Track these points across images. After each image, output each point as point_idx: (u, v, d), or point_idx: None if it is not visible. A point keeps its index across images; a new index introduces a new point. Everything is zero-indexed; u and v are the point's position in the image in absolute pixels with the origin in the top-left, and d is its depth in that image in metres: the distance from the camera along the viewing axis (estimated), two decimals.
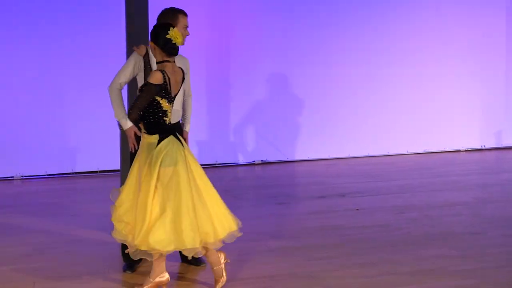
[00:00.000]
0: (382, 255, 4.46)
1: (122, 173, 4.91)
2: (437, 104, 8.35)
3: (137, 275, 4.12)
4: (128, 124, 4.01)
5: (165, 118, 3.70)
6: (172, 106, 3.75)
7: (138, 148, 3.95)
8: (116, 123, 4.18)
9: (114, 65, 6.74)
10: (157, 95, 3.63)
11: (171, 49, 3.67)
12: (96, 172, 7.24)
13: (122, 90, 4.12)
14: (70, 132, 7.14)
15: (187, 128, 4.33)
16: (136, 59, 4.08)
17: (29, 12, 6.91)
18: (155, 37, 3.68)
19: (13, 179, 7.01)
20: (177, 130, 3.91)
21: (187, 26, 4.09)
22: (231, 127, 7.76)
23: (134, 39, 4.62)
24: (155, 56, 3.75)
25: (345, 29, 7.93)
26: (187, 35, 4.07)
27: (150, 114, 3.67)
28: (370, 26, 8.00)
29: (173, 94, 3.73)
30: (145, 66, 4.00)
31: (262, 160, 7.87)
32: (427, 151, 8.44)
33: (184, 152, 3.75)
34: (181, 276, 4.14)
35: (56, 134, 7.09)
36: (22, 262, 4.36)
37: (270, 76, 7.81)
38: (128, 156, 4.80)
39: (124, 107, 4.08)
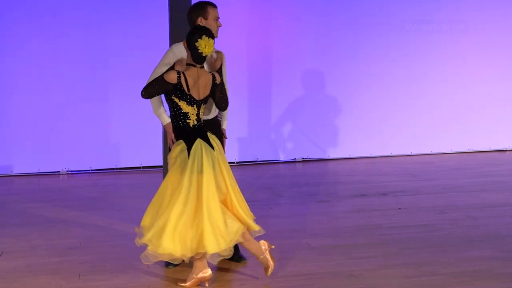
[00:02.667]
0: (424, 255, 4.41)
1: (165, 169, 5.00)
2: (482, 102, 8.19)
3: (179, 271, 4.18)
4: (166, 120, 4.03)
5: (187, 121, 3.76)
6: (197, 109, 3.77)
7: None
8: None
9: (157, 61, 6.89)
10: (172, 94, 3.72)
11: (196, 57, 3.73)
12: (139, 167, 7.37)
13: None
14: (114, 128, 7.28)
15: (224, 125, 4.29)
16: (170, 59, 4.06)
17: (74, 8, 7.07)
18: (188, 39, 3.75)
19: (59, 174, 7.20)
20: (207, 129, 3.87)
21: (218, 18, 4.09)
22: (272, 125, 7.78)
23: (176, 36, 4.71)
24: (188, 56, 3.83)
25: (385, 28, 7.84)
26: (220, 26, 4.09)
27: (173, 116, 3.79)
28: (412, 25, 7.88)
29: (197, 98, 3.76)
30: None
31: (303, 158, 7.87)
32: (471, 150, 8.28)
33: (211, 157, 3.75)
34: (221, 272, 4.19)
35: (100, 131, 7.24)
36: (69, 255, 4.49)
37: (311, 74, 7.79)
38: None
39: (162, 103, 4.07)
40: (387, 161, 7.85)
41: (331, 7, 7.71)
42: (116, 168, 7.35)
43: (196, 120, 3.79)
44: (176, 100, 3.73)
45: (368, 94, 7.92)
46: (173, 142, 4.00)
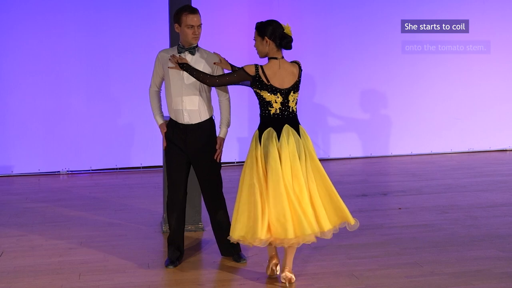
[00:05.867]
0: (425, 255, 4.41)
1: (165, 169, 4.99)
2: (482, 102, 8.18)
3: (179, 271, 4.18)
4: (159, 121, 4.30)
5: (270, 109, 3.92)
6: (282, 97, 3.90)
7: (166, 144, 4.23)
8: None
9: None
10: (253, 86, 3.90)
11: (288, 44, 3.93)
12: (139, 167, 7.36)
13: None
14: (114, 128, 7.27)
15: (222, 133, 4.25)
16: (157, 63, 4.24)
17: (75, 8, 7.06)
18: (270, 34, 3.89)
19: (59, 174, 7.19)
20: (287, 121, 3.94)
21: (193, 25, 4.06)
22: None
23: (176, 37, 4.70)
24: (266, 52, 3.94)
25: (385, 28, 7.83)
26: (196, 33, 4.08)
27: (259, 106, 3.95)
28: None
29: (280, 86, 3.90)
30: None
31: None
32: (472, 150, 8.28)
33: (278, 147, 3.85)
34: (221, 272, 4.18)
35: (100, 131, 7.23)
36: (69, 255, 4.48)
37: (310, 74, 7.79)
38: None
39: (158, 106, 4.32)
40: (387, 161, 7.84)
41: (330, 7, 7.70)
42: (116, 168, 7.34)
43: (279, 109, 3.91)
44: (258, 90, 3.91)
45: (368, 94, 7.91)
46: (164, 143, 4.25)
